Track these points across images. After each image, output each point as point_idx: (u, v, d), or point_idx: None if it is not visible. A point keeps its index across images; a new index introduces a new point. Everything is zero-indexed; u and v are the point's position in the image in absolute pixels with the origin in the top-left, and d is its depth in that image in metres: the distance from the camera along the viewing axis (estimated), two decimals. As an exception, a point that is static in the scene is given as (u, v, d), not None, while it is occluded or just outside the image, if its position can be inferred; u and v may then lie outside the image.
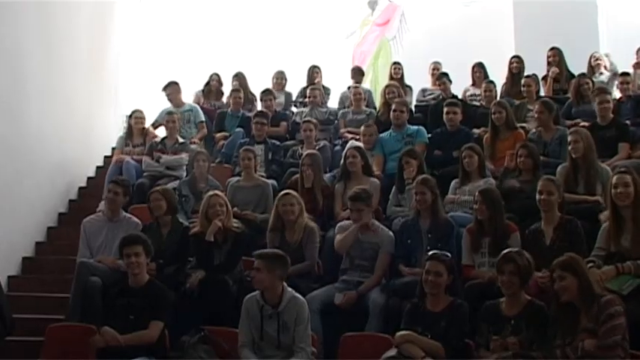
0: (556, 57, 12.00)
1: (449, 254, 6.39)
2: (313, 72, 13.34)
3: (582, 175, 7.83)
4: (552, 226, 6.96)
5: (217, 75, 13.24)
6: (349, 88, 12.73)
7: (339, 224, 7.84)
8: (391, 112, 10.16)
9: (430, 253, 6.44)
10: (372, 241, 7.51)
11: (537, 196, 7.05)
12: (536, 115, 9.45)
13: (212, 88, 13.17)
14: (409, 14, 16.23)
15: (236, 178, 9.56)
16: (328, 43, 15.95)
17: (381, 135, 10.06)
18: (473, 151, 8.53)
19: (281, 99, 12.82)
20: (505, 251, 6.11)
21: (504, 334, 5.74)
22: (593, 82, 10.84)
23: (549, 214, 7.00)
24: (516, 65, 12.13)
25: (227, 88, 13.00)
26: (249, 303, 6.49)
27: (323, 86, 13.08)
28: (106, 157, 12.50)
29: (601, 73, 11.84)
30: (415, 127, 10.02)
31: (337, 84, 13.67)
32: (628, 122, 9.36)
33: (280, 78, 13.30)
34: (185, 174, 10.27)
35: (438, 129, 10.14)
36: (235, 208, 8.49)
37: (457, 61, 13.23)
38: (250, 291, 6.67)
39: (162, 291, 6.74)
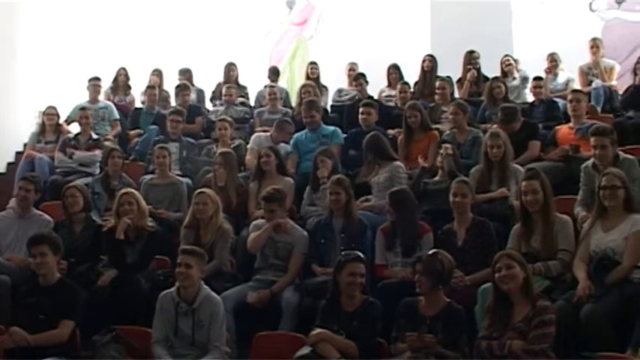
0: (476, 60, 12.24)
1: (361, 254, 6.41)
2: (229, 69, 13.30)
3: (496, 174, 7.97)
4: (464, 227, 7.06)
5: (124, 69, 13.17)
6: (266, 87, 12.74)
7: (253, 223, 7.81)
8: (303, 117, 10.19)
9: (344, 252, 6.50)
10: (286, 240, 7.50)
11: (451, 198, 7.14)
12: (450, 117, 9.59)
13: (119, 82, 13.09)
14: (327, 14, 16.26)
15: (150, 176, 9.49)
16: (246, 40, 15.89)
17: (296, 135, 10.06)
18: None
19: (192, 95, 12.74)
20: (423, 252, 6.17)
21: (421, 333, 5.75)
22: (506, 85, 11.03)
23: (462, 215, 7.10)
24: (428, 64, 12.26)
25: (134, 83, 12.96)
26: (164, 300, 6.45)
27: (239, 84, 13.06)
28: (17, 153, 12.28)
29: (514, 78, 12.05)
30: (331, 128, 10.04)
31: (255, 82, 13.63)
32: (540, 125, 9.53)
33: (184, 74, 13.29)
34: (98, 171, 10.14)
35: (353, 129, 10.17)
36: (149, 207, 8.41)
37: (374, 62, 13.33)
38: (163, 289, 6.63)
39: (73, 290, 6.63)
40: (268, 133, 10.32)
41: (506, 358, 5.39)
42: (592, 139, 7.36)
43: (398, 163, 8.63)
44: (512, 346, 5.40)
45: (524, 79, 11.93)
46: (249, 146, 10.15)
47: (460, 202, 7.09)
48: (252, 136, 10.42)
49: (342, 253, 6.56)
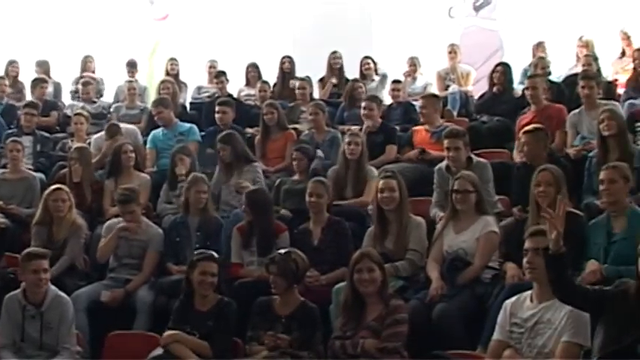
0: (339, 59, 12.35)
1: (215, 252, 6.36)
2: (87, 62, 13.03)
3: (352, 175, 8.02)
4: (320, 227, 7.07)
5: None
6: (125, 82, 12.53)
7: (106, 224, 7.65)
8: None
9: (197, 252, 6.43)
10: (141, 238, 7.37)
11: (307, 198, 7.16)
12: (309, 117, 9.63)
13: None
14: (188, 10, 16.09)
15: (1, 171, 9.16)
16: (106, 34, 15.56)
17: (154, 132, 9.92)
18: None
19: (50, 89, 12.40)
20: (276, 252, 6.16)
21: (276, 333, 5.76)
22: (365, 87, 11.15)
23: (318, 215, 7.12)
24: (288, 65, 12.31)
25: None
26: (10, 302, 6.24)
27: (94, 78, 12.78)
28: None
29: (373, 80, 12.20)
30: (187, 125, 9.91)
31: (114, 77, 13.39)
32: (397, 127, 9.68)
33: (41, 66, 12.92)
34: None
35: (211, 127, 10.10)
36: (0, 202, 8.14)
37: (237, 60, 13.35)
38: (14, 289, 6.41)
39: None
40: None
41: (360, 357, 5.42)
42: (445, 142, 7.49)
43: (256, 164, 8.60)
44: (365, 345, 5.43)
45: (384, 77, 12.07)
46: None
47: (316, 202, 7.10)
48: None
49: (196, 252, 6.50)
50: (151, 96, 12.50)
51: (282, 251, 6.20)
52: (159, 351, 5.94)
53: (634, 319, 4.47)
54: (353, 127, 9.15)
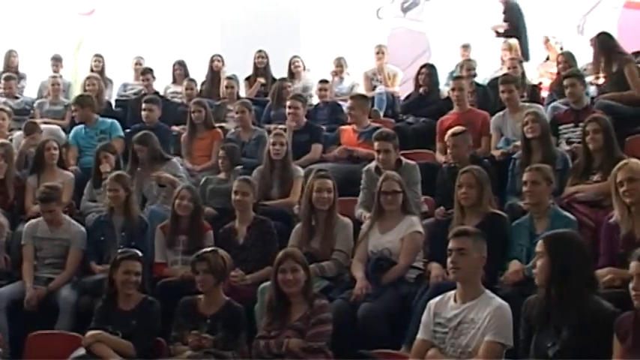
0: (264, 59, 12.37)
1: (139, 252, 6.30)
2: (10, 56, 12.80)
3: (277, 176, 8.04)
4: (246, 226, 7.06)
5: None
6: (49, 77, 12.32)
7: (26, 226, 7.52)
8: None
9: (122, 250, 6.36)
10: (63, 237, 7.28)
11: (233, 196, 7.14)
12: (236, 116, 9.60)
13: None
14: (115, 6, 15.91)
15: None
16: (33, 28, 15.29)
17: (75, 128, 9.82)
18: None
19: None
20: (199, 251, 6.12)
21: (200, 333, 5.71)
22: (291, 86, 11.16)
23: (244, 214, 7.11)
24: (217, 63, 12.27)
25: None
26: None
27: (17, 73, 12.56)
28: None
29: (300, 81, 12.20)
30: (109, 121, 9.80)
31: (39, 73, 13.17)
32: (324, 127, 9.71)
33: None
34: None
35: (137, 124, 10.00)
36: None
37: (164, 57, 13.29)
38: None
39: None
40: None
41: (284, 356, 5.42)
42: (376, 144, 7.53)
43: (174, 160, 8.54)
44: (289, 345, 5.42)
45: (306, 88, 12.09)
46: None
47: (241, 200, 7.10)
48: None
49: (120, 251, 6.43)
50: (76, 92, 12.33)
51: (209, 249, 6.17)
52: (81, 351, 5.85)
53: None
54: (277, 127, 9.16)
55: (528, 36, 12.48)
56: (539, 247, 4.72)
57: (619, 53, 9.02)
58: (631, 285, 4.25)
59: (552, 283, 4.57)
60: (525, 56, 12.00)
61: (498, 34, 12.55)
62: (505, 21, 12.41)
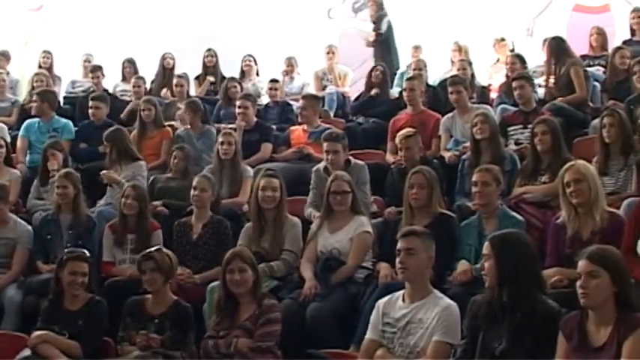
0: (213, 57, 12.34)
1: (86, 251, 6.24)
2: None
3: (226, 176, 8.02)
4: (202, 223, 7.05)
5: None
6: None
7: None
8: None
9: (69, 250, 6.29)
10: (9, 236, 7.19)
11: (192, 192, 7.13)
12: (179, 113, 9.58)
13: None
14: (63, 2, 15.75)
15: None
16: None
17: (29, 121, 9.74)
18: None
19: None
20: (145, 251, 6.08)
21: (148, 332, 5.67)
22: (241, 85, 11.14)
23: (200, 211, 7.10)
24: (169, 61, 12.20)
25: None
26: None
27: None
28: None
29: (250, 80, 12.18)
30: (63, 121, 9.72)
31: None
32: (274, 126, 9.70)
33: None
34: None
35: (85, 121, 9.95)
36: None
37: (113, 54, 13.19)
38: None
39: None
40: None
41: (233, 356, 5.40)
42: (324, 145, 7.56)
43: (142, 162, 8.48)
44: (238, 344, 5.40)
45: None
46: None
47: (200, 196, 7.08)
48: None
49: (66, 250, 6.36)
50: (23, 88, 12.22)
51: (154, 248, 6.13)
52: (27, 352, 5.79)
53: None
54: (227, 126, 9.14)
55: (397, 47, 12.65)
56: (486, 248, 4.75)
57: (568, 57, 9.16)
58: (578, 283, 4.29)
59: (501, 284, 4.60)
60: (395, 66, 12.20)
61: (368, 44, 12.71)
62: (374, 31, 12.56)
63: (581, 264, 4.31)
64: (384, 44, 12.49)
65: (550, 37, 10.09)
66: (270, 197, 6.73)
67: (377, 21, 12.55)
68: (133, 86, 11.41)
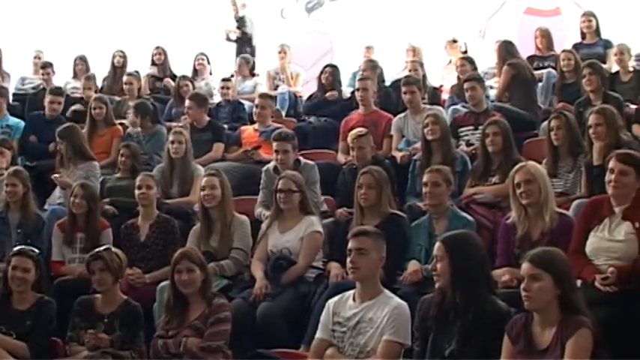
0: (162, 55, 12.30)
1: (35, 249, 6.16)
2: None
3: (177, 175, 8.00)
4: (149, 223, 7.01)
5: None
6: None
7: None
8: None
9: (16, 248, 6.20)
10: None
11: (136, 191, 7.08)
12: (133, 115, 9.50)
13: None
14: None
15: None
16: None
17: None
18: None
19: None
20: (93, 250, 6.02)
21: (97, 332, 5.62)
22: (193, 84, 11.11)
23: (147, 210, 7.06)
24: (119, 59, 12.11)
25: None
26: None
27: None
28: None
29: (203, 79, 12.13)
30: (16, 120, 9.73)
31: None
32: (226, 126, 9.68)
33: None
34: None
35: (34, 112, 9.93)
36: None
37: (64, 51, 13.07)
38: None
39: None
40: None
41: (183, 356, 5.37)
42: (274, 144, 7.56)
43: (95, 163, 8.40)
44: (187, 344, 5.37)
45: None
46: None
47: (146, 194, 7.05)
48: None
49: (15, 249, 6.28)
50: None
51: (103, 247, 6.07)
52: (-29, 353, 5.71)
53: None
54: (177, 125, 9.10)
55: (256, 46, 13.17)
56: (438, 249, 4.77)
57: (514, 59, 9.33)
58: (522, 286, 4.34)
59: (453, 285, 4.63)
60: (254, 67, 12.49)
61: (228, 39, 13.24)
62: (238, 28, 12.89)
63: (524, 267, 4.36)
64: (246, 42, 13.13)
65: (500, 40, 10.23)
66: (210, 196, 6.72)
67: (240, 20, 13.18)
68: (84, 88, 11.27)
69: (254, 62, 12.41)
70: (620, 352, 4.61)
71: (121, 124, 9.63)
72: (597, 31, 10.72)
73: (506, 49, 9.70)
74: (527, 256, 4.40)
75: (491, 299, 4.64)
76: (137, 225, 7.05)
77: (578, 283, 4.90)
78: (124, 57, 12.16)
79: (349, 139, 7.73)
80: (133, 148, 8.32)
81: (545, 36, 10.85)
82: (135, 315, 5.81)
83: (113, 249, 6.06)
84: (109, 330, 5.69)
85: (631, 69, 9.46)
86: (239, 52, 12.85)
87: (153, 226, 7.00)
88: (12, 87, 12.35)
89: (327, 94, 10.41)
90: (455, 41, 12.03)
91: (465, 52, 11.76)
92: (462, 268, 4.63)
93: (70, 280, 6.66)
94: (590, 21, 10.75)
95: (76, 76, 12.34)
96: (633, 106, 8.27)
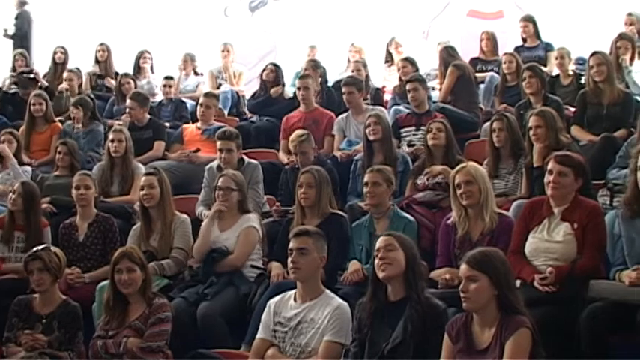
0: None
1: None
2: None
3: (117, 173, 7.93)
4: (87, 222, 6.94)
5: None
6: None
7: None
8: None
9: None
10: None
11: (74, 191, 7.01)
12: (74, 110, 9.39)
13: None
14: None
15: None
16: None
17: None
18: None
19: None
20: (32, 250, 5.95)
21: (35, 332, 5.57)
22: (135, 81, 11.04)
23: (85, 209, 6.99)
24: (60, 55, 12.00)
25: None
26: None
27: None
28: None
29: (145, 77, 12.05)
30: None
31: None
32: (167, 124, 9.62)
33: None
34: None
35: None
36: None
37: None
38: None
39: None
40: None
41: (122, 356, 5.33)
42: (218, 143, 7.53)
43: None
44: (127, 344, 5.33)
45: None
46: None
47: (84, 194, 6.97)
48: None
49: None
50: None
51: (41, 247, 5.99)
52: None
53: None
54: (117, 123, 9.04)
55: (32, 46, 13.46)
56: (388, 240, 4.82)
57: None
58: (460, 287, 4.38)
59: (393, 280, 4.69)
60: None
61: (6, 35, 13.49)
62: (15, 26, 13.27)
63: (462, 268, 4.40)
64: (23, 39, 13.39)
65: (442, 45, 10.33)
66: (149, 195, 6.70)
67: (18, 17, 13.42)
68: (66, 79, 11.12)
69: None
70: (558, 351, 4.66)
71: (60, 121, 9.53)
72: (537, 35, 10.83)
73: (448, 53, 9.84)
74: (465, 257, 4.44)
75: (426, 297, 4.69)
76: (75, 224, 6.99)
77: (518, 283, 4.95)
78: (65, 53, 12.07)
79: (290, 145, 7.71)
80: (71, 145, 8.26)
81: (491, 39, 10.94)
82: (74, 315, 5.74)
83: (52, 248, 5.99)
84: (48, 330, 5.63)
85: (571, 72, 9.56)
86: (15, 48, 13.07)
87: (92, 226, 6.94)
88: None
89: (272, 90, 10.41)
90: (397, 42, 12.08)
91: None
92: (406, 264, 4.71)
93: (9, 279, 6.58)
94: (526, 26, 10.86)
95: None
96: (572, 109, 8.36)
